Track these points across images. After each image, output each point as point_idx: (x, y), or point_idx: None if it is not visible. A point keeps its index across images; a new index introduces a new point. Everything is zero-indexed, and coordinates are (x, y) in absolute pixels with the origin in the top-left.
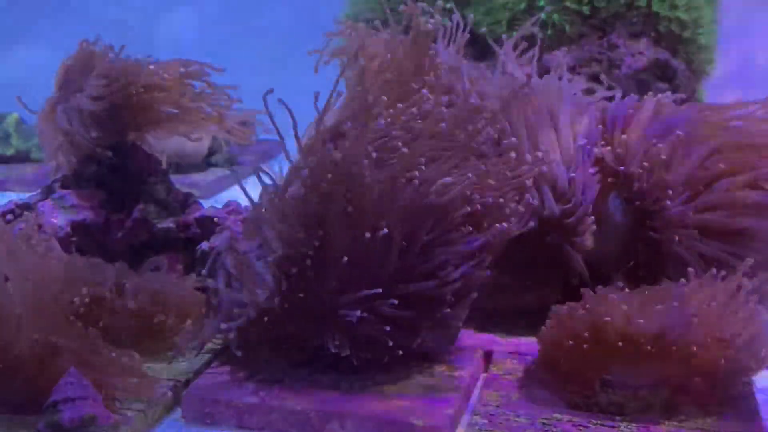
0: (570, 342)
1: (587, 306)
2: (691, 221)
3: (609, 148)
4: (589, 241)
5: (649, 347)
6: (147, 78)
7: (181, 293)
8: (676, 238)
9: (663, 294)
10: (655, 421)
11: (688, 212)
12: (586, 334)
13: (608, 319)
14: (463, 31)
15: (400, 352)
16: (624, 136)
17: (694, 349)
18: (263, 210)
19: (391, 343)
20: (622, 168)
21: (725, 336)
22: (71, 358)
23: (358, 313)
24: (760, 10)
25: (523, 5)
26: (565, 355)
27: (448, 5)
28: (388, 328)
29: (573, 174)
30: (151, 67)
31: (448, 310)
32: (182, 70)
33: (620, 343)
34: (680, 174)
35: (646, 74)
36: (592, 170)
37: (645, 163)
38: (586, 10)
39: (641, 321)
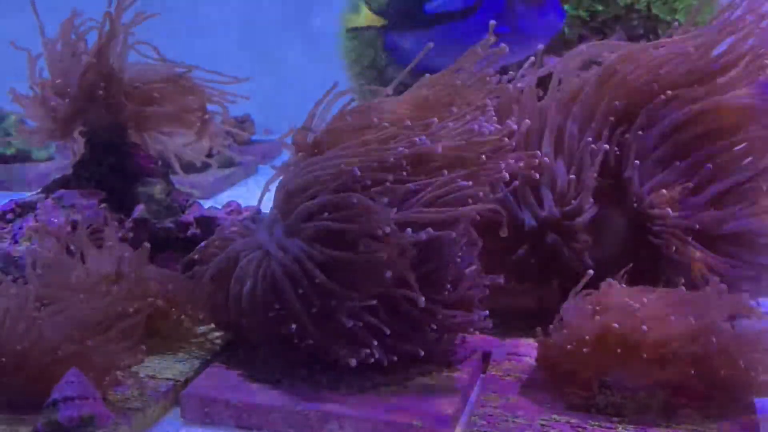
0: (570, 345)
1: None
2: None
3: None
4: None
5: (646, 355)
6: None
7: (191, 292)
8: (674, 245)
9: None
10: (652, 423)
11: (686, 217)
12: (587, 338)
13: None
14: None
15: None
16: (627, 136)
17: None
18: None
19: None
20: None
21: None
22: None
23: (350, 323)
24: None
25: None
26: (565, 356)
27: None
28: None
29: (573, 176)
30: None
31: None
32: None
33: (618, 350)
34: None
35: None
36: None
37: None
38: (584, 15)
39: (645, 328)
